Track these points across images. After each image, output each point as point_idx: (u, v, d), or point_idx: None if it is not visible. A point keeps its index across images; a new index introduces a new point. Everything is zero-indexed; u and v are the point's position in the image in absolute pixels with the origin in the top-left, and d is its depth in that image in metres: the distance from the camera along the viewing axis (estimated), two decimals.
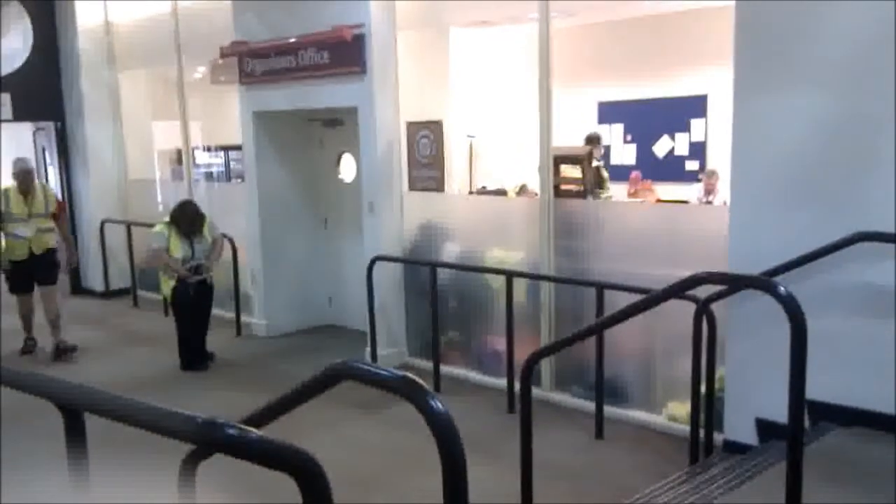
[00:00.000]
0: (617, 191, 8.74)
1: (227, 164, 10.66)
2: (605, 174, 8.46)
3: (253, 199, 8.02)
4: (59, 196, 8.31)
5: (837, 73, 4.04)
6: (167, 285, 6.97)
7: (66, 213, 8.32)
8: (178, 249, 6.81)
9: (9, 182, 7.40)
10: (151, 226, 7.35)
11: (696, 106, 8.93)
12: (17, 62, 9.76)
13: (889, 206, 3.85)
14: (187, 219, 6.88)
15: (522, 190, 7.91)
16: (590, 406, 5.31)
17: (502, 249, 6.28)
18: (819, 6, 4.06)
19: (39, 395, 2.11)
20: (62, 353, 7.39)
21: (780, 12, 4.18)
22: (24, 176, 7.31)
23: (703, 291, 4.03)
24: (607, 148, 9.62)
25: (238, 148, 8.63)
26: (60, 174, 10.51)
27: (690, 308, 4.33)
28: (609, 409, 5.26)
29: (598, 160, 8.41)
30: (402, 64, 6.74)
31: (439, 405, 1.69)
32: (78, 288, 10.57)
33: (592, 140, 8.38)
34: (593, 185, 7.86)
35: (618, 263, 5.46)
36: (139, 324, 8.87)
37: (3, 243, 7.33)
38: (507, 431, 4.09)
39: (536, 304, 5.98)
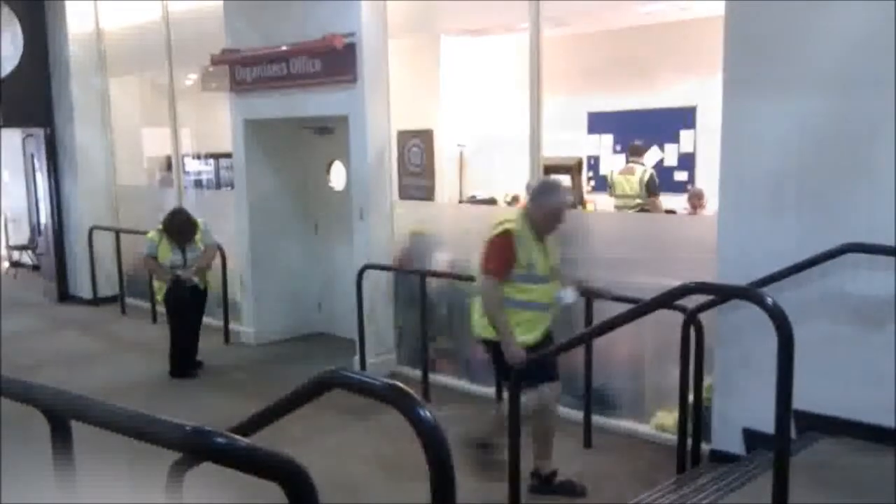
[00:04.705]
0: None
1: (217, 172, 10.64)
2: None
3: (242, 207, 8.01)
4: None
5: (828, 79, 4.03)
6: (161, 289, 6.96)
7: None
8: (168, 256, 6.79)
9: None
10: (141, 233, 7.31)
11: (685, 117, 8.98)
12: (7, 68, 9.72)
13: (880, 215, 3.86)
14: (177, 227, 6.86)
15: (515, 200, 7.92)
16: (578, 415, 5.32)
17: None
18: (810, 12, 4.06)
19: (25, 402, 2.08)
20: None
21: (771, 17, 4.17)
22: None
23: (691, 301, 4.05)
24: (596, 158, 9.66)
25: (228, 156, 8.61)
26: (49, 180, 10.47)
27: (678, 317, 4.35)
28: (597, 419, 5.27)
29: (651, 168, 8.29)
30: (393, 73, 6.75)
31: (427, 413, 1.69)
32: (65, 295, 10.53)
33: (638, 150, 8.42)
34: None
35: (607, 272, 5.47)
36: (127, 331, 8.82)
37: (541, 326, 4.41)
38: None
39: None
